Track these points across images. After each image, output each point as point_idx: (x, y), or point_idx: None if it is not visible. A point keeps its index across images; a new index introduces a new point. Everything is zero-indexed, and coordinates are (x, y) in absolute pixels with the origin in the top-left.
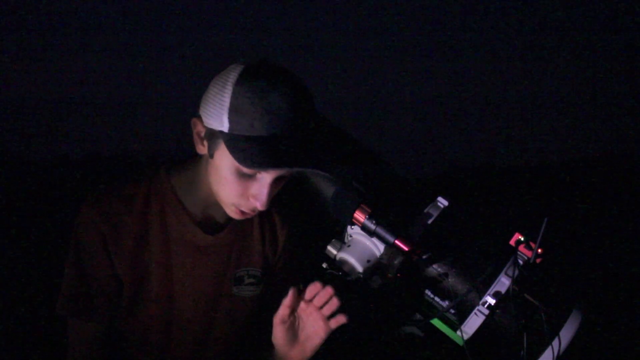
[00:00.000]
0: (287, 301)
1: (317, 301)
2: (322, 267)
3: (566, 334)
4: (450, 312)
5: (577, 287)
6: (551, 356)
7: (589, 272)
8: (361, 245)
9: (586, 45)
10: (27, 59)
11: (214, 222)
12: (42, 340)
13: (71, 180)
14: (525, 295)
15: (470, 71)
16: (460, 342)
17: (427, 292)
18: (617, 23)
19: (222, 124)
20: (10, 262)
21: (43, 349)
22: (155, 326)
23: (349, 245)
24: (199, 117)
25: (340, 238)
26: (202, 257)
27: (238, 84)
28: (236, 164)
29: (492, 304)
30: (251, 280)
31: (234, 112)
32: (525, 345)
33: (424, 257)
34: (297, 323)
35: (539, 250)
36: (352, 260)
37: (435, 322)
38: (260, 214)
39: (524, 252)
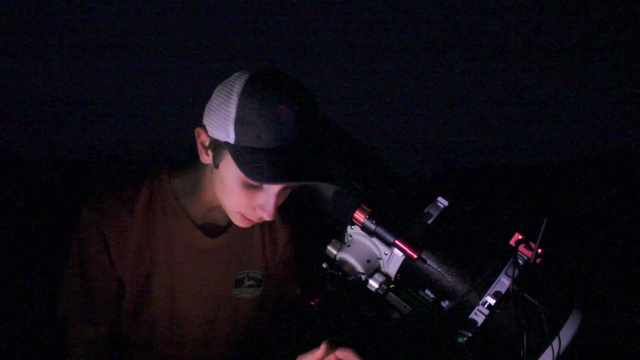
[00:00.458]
0: (318, 354)
1: None
2: (322, 267)
3: (566, 334)
4: (450, 312)
5: (577, 287)
6: (551, 356)
7: (589, 272)
8: (361, 245)
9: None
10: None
11: (215, 225)
12: (42, 342)
13: (71, 180)
14: (525, 295)
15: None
16: (461, 342)
17: (427, 292)
18: (617, 23)
19: (228, 135)
20: (10, 262)
21: (43, 351)
22: (157, 328)
23: (349, 245)
24: (203, 127)
25: (340, 238)
26: (203, 259)
27: (244, 94)
28: (242, 175)
29: (492, 304)
30: (251, 282)
31: (240, 123)
32: (525, 345)
33: (424, 257)
34: None
35: (539, 250)
36: (352, 260)
37: (436, 322)
38: None
39: (524, 252)
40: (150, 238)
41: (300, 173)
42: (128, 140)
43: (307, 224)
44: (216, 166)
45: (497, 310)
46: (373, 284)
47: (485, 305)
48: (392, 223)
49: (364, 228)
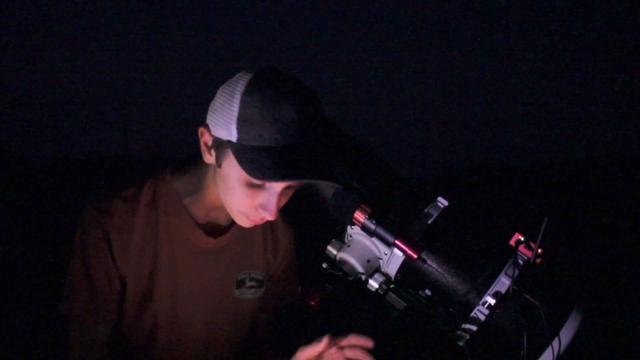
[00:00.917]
0: (320, 347)
1: (352, 353)
2: (322, 267)
3: (566, 334)
4: (450, 312)
5: (577, 287)
6: (551, 356)
7: (589, 272)
8: (361, 245)
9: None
10: (27, 59)
11: (217, 225)
12: (43, 340)
13: (71, 180)
14: (525, 295)
15: (470, 71)
16: (460, 342)
17: (427, 292)
18: (617, 23)
19: (231, 133)
20: (10, 262)
21: (44, 350)
22: (158, 328)
23: (349, 245)
24: (207, 126)
25: (340, 238)
26: (205, 259)
27: (247, 93)
28: (245, 174)
29: (492, 304)
30: (253, 283)
31: (242, 122)
32: (525, 345)
33: (424, 257)
34: None
35: (539, 250)
36: (352, 260)
37: (435, 322)
38: None
39: (524, 252)
40: (153, 237)
41: (303, 171)
42: (128, 140)
43: (307, 224)
44: (219, 165)
45: (497, 310)
46: (373, 284)
47: (485, 305)
48: (392, 223)
49: (364, 228)
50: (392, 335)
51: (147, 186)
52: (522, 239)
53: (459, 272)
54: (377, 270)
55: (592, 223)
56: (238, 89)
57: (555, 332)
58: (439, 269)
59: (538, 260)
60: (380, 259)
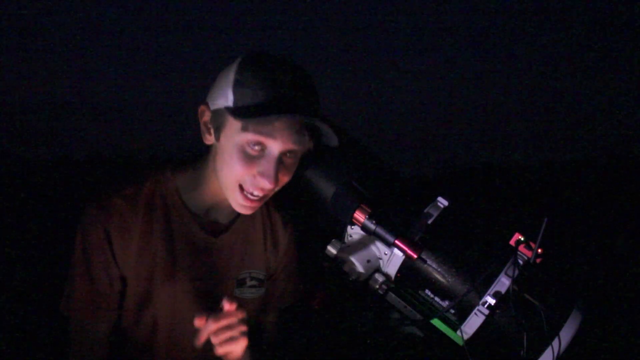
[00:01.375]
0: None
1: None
2: (322, 267)
3: (566, 334)
4: (450, 312)
5: (577, 287)
6: (551, 356)
7: (589, 272)
8: (361, 245)
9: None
10: (27, 59)
11: (217, 223)
12: (44, 340)
13: (71, 181)
14: (525, 295)
15: (470, 71)
16: (460, 342)
17: (427, 292)
18: (617, 23)
19: (227, 99)
20: (10, 262)
21: (44, 349)
22: (158, 326)
23: (348, 245)
24: (206, 104)
25: (340, 238)
26: (205, 258)
27: (243, 62)
28: (241, 141)
29: (492, 304)
30: (253, 282)
31: (238, 86)
32: (525, 345)
33: (424, 257)
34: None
35: (539, 250)
36: (352, 260)
37: (435, 322)
38: (263, 217)
39: (524, 252)
40: (153, 236)
41: (296, 107)
42: (128, 140)
43: (307, 224)
44: (217, 139)
45: (497, 310)
46: (373, 284)
47: (485, 305)
48: (392, 223)
49: (364, 228)
50: (392, 335)
51: (148, 184)
52: (522, 239)
53: (459, 272)
54: (377, 270)
55: (592, 223)
56: (235, 62)
57: (555, 332)
58: (439, 269)
59: (538, 260)
60: (380, 259)
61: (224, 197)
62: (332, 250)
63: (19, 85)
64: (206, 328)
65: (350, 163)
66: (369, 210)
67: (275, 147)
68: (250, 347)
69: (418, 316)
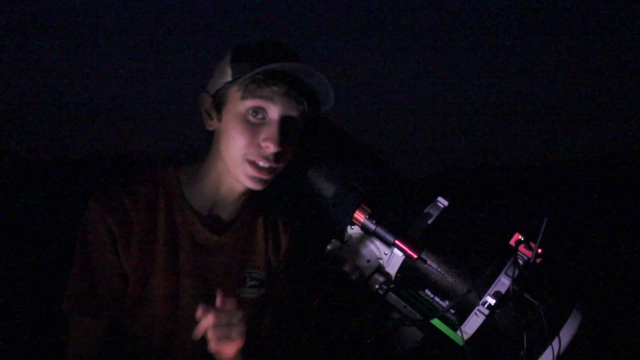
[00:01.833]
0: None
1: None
2: (323, 267)
3: (566, 334)
4: (450, 312)
5: (577, 287)
6: (551, 356)
7: (589, 272)
8: (361, 245)
9: (586, 45)
10: (27, 59)
11: (220, 221)
12: (44, 338)
13: (72, 180)
14: (525, 295)
15: (470, 71)
16: (460, 342)
17: (427, 292)
18: (618, 23)
19: (227, 75)
20: (11, 261)
21: (44, 348)
22: (159, 325)
23: (349, 245)
24: (206, 92)
25: (340, 238)
26: (207, 256)
27: (236, 48)
28: (243, 110)
29: (492, 304)
30: (254, 282)
31: (236, 61)
32: (525, 345)
33: (424, 257)
34: None
35: (539, 250)
36: (352, 260)
37: (435, 322)
38: (265, 218)
39: (524, 252)
40: (155, 234)
41: (292, 57)
42: (128, 140)
43: (307, 224)
44: (220, 119)
45: (497, 310)
46: (373, 284)
47: (485, 305)
48: (392, 223)
49: (364, 228)
50: (392, 335)
51: (151, 181)
52: (522, 239)
53: (459, 272)
54: (377, 270)
55: (592, 223)
56: (229, 51)
57: (555, 332)
58: (439, 269)
59: (538, 260)
60: (380, 259)
61: (226, 191)
62: (332, 250)
63: (19, 85)
64: (206, 321)
65: (351, 163)
66: (369, 210)
67: (275, 111)
68: (243, 350)
69: (418, 316)
